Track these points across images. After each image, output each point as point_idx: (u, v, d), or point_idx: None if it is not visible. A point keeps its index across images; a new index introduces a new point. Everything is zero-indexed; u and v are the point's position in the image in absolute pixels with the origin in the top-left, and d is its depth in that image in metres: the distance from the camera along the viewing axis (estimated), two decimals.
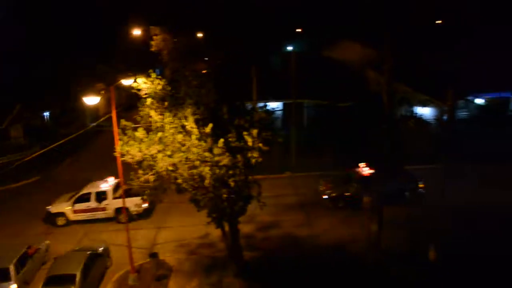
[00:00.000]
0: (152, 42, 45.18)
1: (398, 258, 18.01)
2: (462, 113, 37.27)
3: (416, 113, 32.25)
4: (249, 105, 16.47)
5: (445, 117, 21.36)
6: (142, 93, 15.12)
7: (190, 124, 13.69)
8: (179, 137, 13.84)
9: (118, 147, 14.83)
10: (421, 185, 22.73)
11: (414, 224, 20.46)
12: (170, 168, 14.32)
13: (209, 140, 13.74)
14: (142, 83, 15.06)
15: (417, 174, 23.26)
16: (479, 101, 36.24)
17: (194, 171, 14.18)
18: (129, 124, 14.85)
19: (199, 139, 13.68)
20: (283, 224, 21.66)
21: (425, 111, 32.93)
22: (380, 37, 15.57)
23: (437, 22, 54.60)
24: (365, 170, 23.19)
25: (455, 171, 23.58)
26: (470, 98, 34.88)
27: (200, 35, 50.99)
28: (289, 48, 55.82)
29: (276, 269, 17.86)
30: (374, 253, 17.50)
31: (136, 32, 50.17)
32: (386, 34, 15.10)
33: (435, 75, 32.38)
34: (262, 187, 15.98)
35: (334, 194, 23.22)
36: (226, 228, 16.96)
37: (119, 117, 15.51)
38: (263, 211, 20.29)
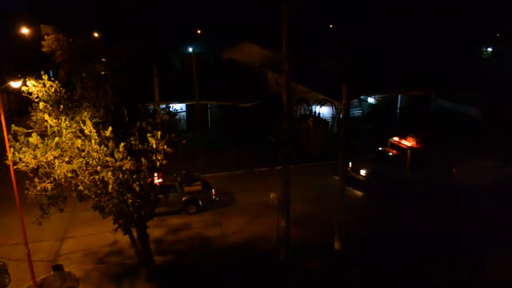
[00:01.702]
0: (44, 42, 42.70)
1: (307, 252, 18.87)
2: (356, 111, 40.13)
3: (315, 112, 34.01)
4: (151, 107, 16.21)
5: (340, 115, 22.85)
6: (33, 96, 14.20)
7: (88, 128, 13.14)
8: (78, 142, 13.22)
9: (10, 155, 13.78)
10: None
11: (323, 217, 21.60)
12: (69, 174, 13.64)
13: (110, 144, 13.30)
14: (32, 86, 14.13)
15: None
16: (371, 100, 39.23)
17: (96, 176, 13.66)
18: (20, 129, 13.87)
19: (99, 144, 13.18)
20: (192, 225, 21.62)
21: (323, 110, 34.82)
22: (278, 39, 16.23)
23: (330, 26, 58.13)
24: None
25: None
26: (362, 97, 37.58)
27: (96, 35, 48.90)
28: (190, 49, 55.82)
29: (188, 272, 17.80)
30: (284, 249, 18.15)
31: (24, 30, 46.50)
32: (284, 36, 15.76)
33: (331, 75, 34.38)
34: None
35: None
36: (135, 233, 16.56)
37: (10, 123, 14.40)
38: (172, 214, 20.28)
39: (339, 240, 18.20)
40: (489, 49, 52.93)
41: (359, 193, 25.18)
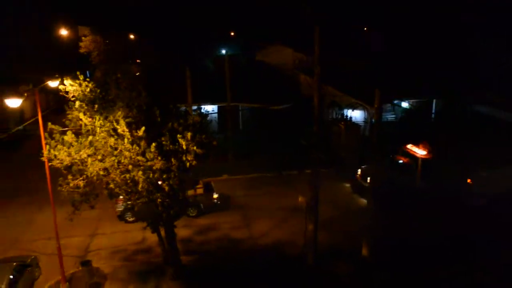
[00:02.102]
0: (81, 44, 43.81)
1: (335, 256, 18.66)
2: (390, 116, 39.37)
3: (347, 116, 33.57)
4: (183, 108, 16.37)
5: (373, 120, 22.43)
6: (70, 95, 14.56)
7: (122, 127, 13.35)
8: (111, 140, 13.46)
9: (45, 152, 14.17)
10: None
11: (350, 221, 21.33)
12: (102, 172, 13.89)
13: (142, 143, 13.48)
14: (69, 85, 14.49)
15: None
16: (405, 104, 38.42)
17: (127, 175, 13.86)
18: (56, 127, 14.24)
19: (131, 143, 13.38)
20: (221, 226, 21.68)
21: (355, 114, 34.34)
22: (310, 41, 16.10)
23: (364, 29, 57.27)
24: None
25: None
26: (396, 102, 36.85)
27: (132, 36, 49.91)
28: (223, 51, 56.20)
29: (214, 272, 17.84)
30: (312, 253, 17.96)
31: (63, 32, 47.89)
32: (315, 38, 15.63)
33: (364, 79, 33.86)
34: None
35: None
36: (163, 232, 16.73)
37: (47, 121, 14.82)
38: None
39: (366, 245, 17.85)
40: None
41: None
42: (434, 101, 38.79)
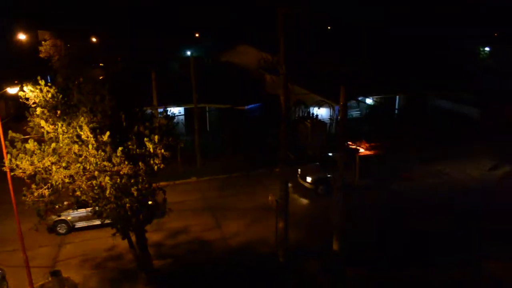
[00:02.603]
0: (41, 48, 42.68)
1: (306, 253, 18.86)
2: (355, 112, 40.13)
3: (313, 114, 34.01)
4: (149, 111, 16.20)
5: (338, 117, 22.83)
6: (30, 102, 14.18)
7: (86, 133, 13.11)
8: (75, 147, 13.18)
9: (7, 161, 13.74)
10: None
11: (320, 217, 21.66)
12: (67, 180, 13.59)
13: (107, 149, 13.27)
14: (29, 92, 14.10)
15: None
16: (369, 101, 39.24)
17: (94, 182, 13.62)
18: (17, 135, 13.83)
19: (96, 149, 13.15)
20: (192, 229, 21.58)
21: (321, 112, 34.82)
22: (275, 41, 16.24)
23: (328, 27, 58.20)
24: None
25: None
26: (361, 98, 37.59)
27: (94, 40, 48.96)
28: (188, 53, 55.86)
29: (187, 275, 17.76)
30: (283, 250, 18.13)
31: (21, 36, 46.46)
32: (280, 38, 15.78)
33: (329, 77, 34.40)
34: (168, 193, 15.91)
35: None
36: (133, 238, 16.51)
37: (7, 129, 14.37)
38: (171, 217, 20.23)
39: (337, 241, 18.15)
40: (487, 49, 53.02)
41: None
42: (398, 97, 39.82)
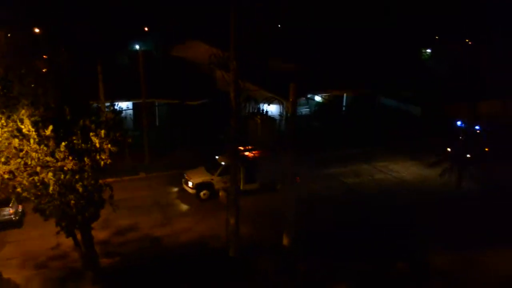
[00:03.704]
0: None
1: (257, 249, 19.03)
2: (304, 109, 40.87)
3: (263, 110, 34.31)
4: (95, 105, 15.77)
5: (288, 113, 23.14)
6: None
7: (27, 127, 12.59)
8: (15, 141, 12.63)
9: None
10: None
11: (271, 212, 21.88)
12: (7, 176, 13.03)
13: (50, 143, 12.81)
14: None
15: None
16: (318, 98, 40.09)
17: (36, 177, 13.12)
18: None
19: (38, 143, 12.66)
20: (140, 226, 21.22)
21: (271, 108, 35.18)
22: (226, 37, 16.27)
23: (279, 26, 58.72)
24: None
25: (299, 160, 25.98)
26: (310, 96, 38.31)
27: (37, 30, 46.80)
28: (137, 46, 54.59)
29: (136, 273, 17.46)
30: (233, 246, 18.23)
31: None
32: (231, 34, 15.83)
33: (279, 74, 34.77)
34: (115, 189, 15.53)
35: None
36: (79, 236, 16.03)
37: None
38: (119, 215, 19.78)
39: (287, 236, 18.49)
40: (428, 51, 55.55)
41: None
42: (345, 95, 40.96)
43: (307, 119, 38.52)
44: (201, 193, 23.74)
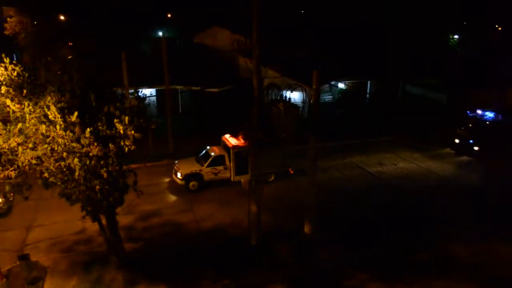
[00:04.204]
0: (6, 25, 41.17)
1: (278, 237, 19.06)
2: (327, 97, 40.47)
3: (286, 97, 34.08)
4: (120, 92, 15.87)
5: (311, 101, 22.89)
6: None
7: (53, 113, 12.76)
8: (42, 127, 12.82)
9: None
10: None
11: (291, 201, 21.88)
12: (34, 161, 13.26)
13: (76, 129, 12.96)
14: None
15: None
16: (341, 85, 39.60)
17: (62, 163, 13.32)
18: None
19: (64, 129, 12.83)
20: (164, 211, 21.48)
21: (294, 95, 34.94)
22: (248, 23, 16.10)
23: (302, 11, 58.05)
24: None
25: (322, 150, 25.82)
26: (333, 83, 37.89)
27: (62, 18, 47.39)
28: (160, 33, 54.81)
29: (159, 258, 17.70)
30: (255, 234, 18.27)
31: None
32: (254, 19, 15.65)
33: (302, 61, 34.44)
34: (139, 175, 15.69)
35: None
36: (104, 221, 16.30)
37: None
38: (143, 200, 20.07)
39: (309, 224, 18.44)
40: (456, 37, 54.09)
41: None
42: (369, 82, 40.34)
43: (330, 106, 38.16)
44: (190, 184, 23.47)
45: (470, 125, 28.85)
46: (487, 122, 28.13)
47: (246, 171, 22.89)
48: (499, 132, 27.48)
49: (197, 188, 23.59)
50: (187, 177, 23.40)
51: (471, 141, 28.09)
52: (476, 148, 27.86)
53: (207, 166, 23.57)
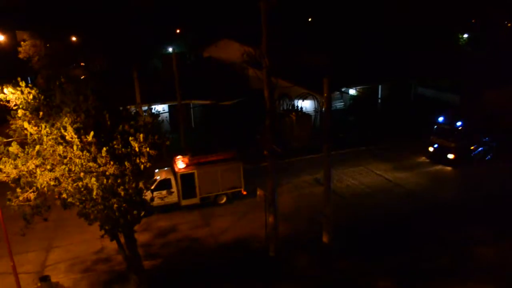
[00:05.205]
0: (20, 49, 41.97)
1: (296, 247, 18.98)
2: (339, 104, 40.29)
3: (297, 106, 34.06)
4: (133, 110, 16.01)
5: (323, 109, 22.77)
6: (11, 104, 13.90)
7: (70, 134, 12.89)
8: (60, 148, 12.95)
9: None
10: None
11: (308, 212, 21.74)
12: (52, 183, 13.36)
13: (92, 149, 13.07)
14: (9, 94, 13.83)
15: None
16: (352, 91, 39.43)
17: (80, 183, 13.41)
18: (0, 139, 13.58)
19: (81, 149, 12.95)
20: (180, 227, 21.51)
21: (305, 104, 34.88)
22: (257, 34, 16.18)
23: (309, 19, 58.23)
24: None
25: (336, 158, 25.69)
26: (344, 89, 37.74)
27: (74, 39, 48.23)
28: (170, 49, 55.36)
29: (178, 274, 17.70)
30: (273, 245, 18.17)
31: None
32: (263, 31, 15.72)
33: (312, 69, 34.44)
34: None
35: None
36: (122, 239, 16.35)
37: None
38: (159, 217, 20.12)
39: (327, 233, 18.24)
40: (465, 36, 53.63)
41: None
42: (380, 87, 40.08)
43: (342, 113, 37.97)
44: None
45: (443, 132, 27.36)
46: (459, 129, 26.66)
47: (194, 195, 22.53)
48: (468, 138, 26.59)
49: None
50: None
51: (445, 149, 26.97)
52: (450, 156, 26.86)
53: (152, 191, 21.06)
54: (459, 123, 26.68)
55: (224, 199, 23.62)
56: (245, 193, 23.45)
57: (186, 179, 22.51)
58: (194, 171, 22.71)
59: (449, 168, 26.91)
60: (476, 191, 23.52)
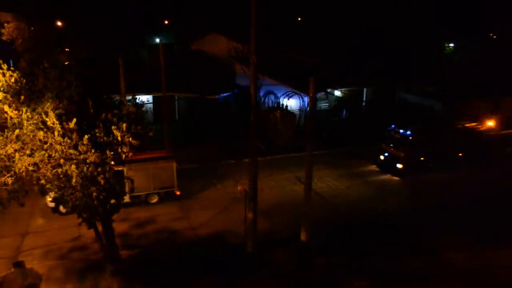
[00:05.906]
0: (3, 30, 41.04)
1: (274, 244, 19.06)
2: (324, 104, 40.57)
3: (282, 104, 34.19)
4: (117, 99, 15.91)
5: (307, 108, 22.89)
6: None
7: (51, 120, 12.74)
8: (40, 134, 12.80)
9: None
10: None
11: (290, 209, 21.88)
12: (31, 168, 13.22)
13: (74, 136, 12.95)
14: None
15: None
16: (337, 93, 39.71)
17: (59, 170, 13.30)
18: None
19: (62, 136, 12.81)
20: (159, 219, 21.41)
21: (291, 103, 35.04)
22: (246, 30, 16.18)
23: (299, 19, 58.36)
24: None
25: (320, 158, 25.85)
26: (329, 90, 37.99)
27: (60, 24, 47.38)
28: (157, 40, 54.87)
29: (155, 266, 17.63)
30: (252, 241, 18.25)
31: None
32: (251, 28, 15.72)
33: (298, 68, 34.62)
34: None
35: None
36: (100, 228, 16.25)
37: None
38: (138, 207, 19.96)
39: (305, 231, 18.41)
40: (451, 45, 54.50)
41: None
42: (365, 90, 40.50)
43: (327, 114, 38.25)
44: (61, 207, 20.43)
45: (393, 140, 26.96)
46: (410, 138, 26.28)
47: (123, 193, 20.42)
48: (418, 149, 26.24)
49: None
50: (56, 200, 19.89)
51: (394, 158, 26.57)
52: (399, 166, 26.41)
53: None
54: (408, 132, 26.16)
55: (156, 199, 22.94)
56: (178, 193, 22.79)
57: (115, 177, 21.36)
58: (124, 168, 20.74)
59: (396, 178, 26.47)
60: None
